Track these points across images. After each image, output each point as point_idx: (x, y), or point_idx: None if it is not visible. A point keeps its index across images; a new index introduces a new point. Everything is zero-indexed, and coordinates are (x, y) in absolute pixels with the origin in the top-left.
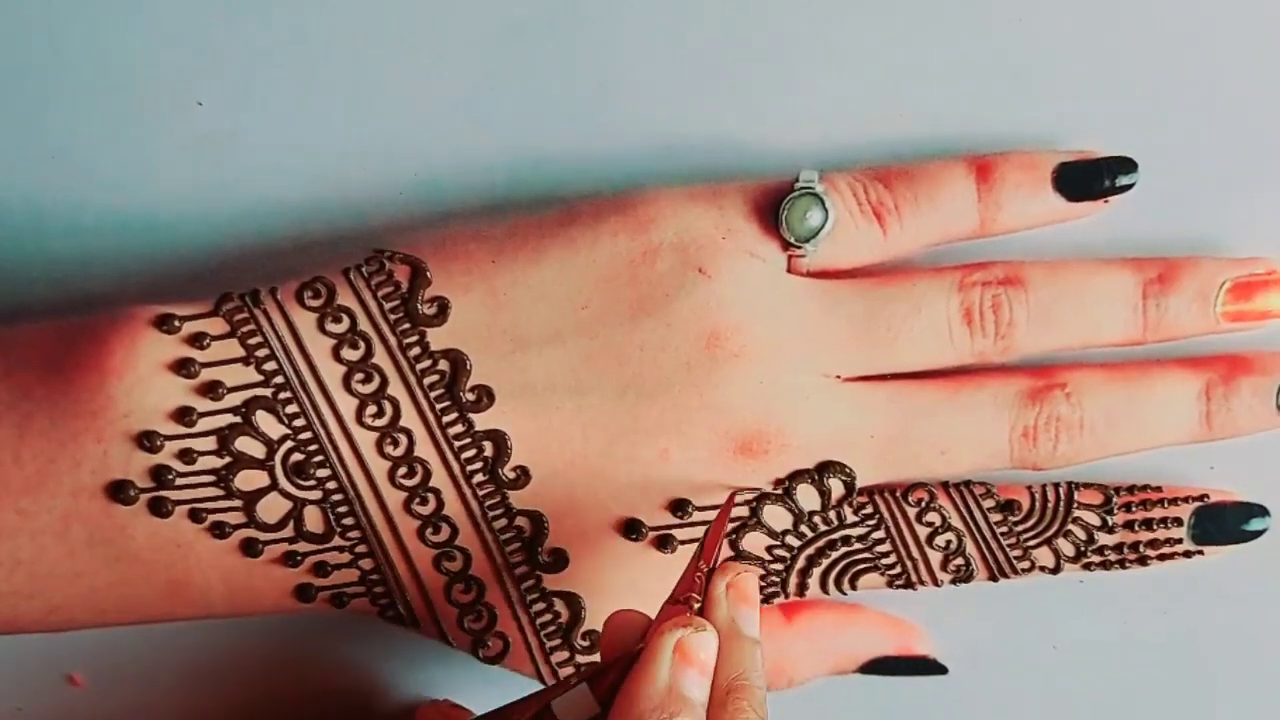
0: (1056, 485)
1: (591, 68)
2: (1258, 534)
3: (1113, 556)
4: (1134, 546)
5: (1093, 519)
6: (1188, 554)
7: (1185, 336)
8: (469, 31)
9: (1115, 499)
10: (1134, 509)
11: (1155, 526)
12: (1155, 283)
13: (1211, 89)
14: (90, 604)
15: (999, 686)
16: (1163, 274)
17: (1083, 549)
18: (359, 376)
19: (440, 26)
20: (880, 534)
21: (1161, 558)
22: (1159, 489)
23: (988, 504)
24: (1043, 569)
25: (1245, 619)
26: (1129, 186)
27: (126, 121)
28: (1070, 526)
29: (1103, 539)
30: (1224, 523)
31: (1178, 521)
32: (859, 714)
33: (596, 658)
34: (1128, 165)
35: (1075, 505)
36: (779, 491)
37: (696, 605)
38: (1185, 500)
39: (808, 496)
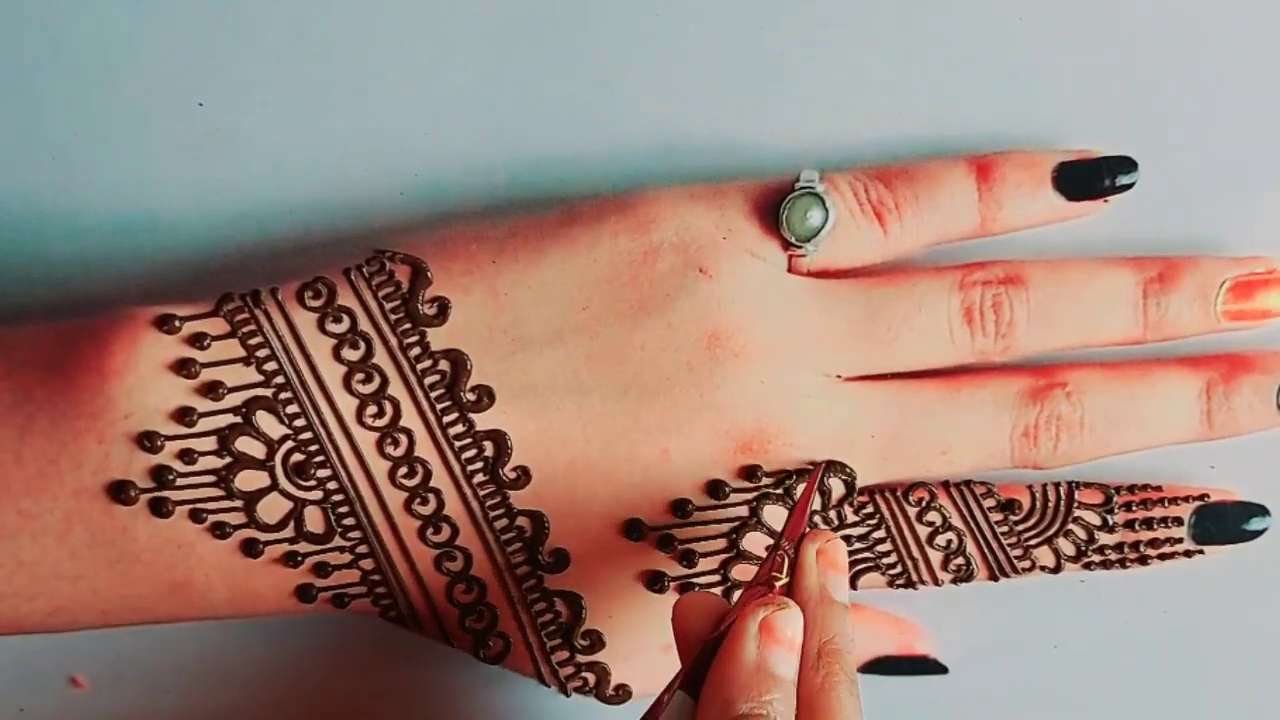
0: (1057, 485)
1: (592, 68)
2: (1258, 533)
3: (1113, 556)
4: (1135, 546)
5: (1093, 518)
6: (1188, 553)
7: (1186, 335)
8: (469, 32)
9: (1116, 498)
10: (1134, 508)
11: (1156, 526)
12: (1156, 281)
13: (1211, 88)
14: (92, 605)
15: (1000, 686)
16: (1163, 273)
17: (1083, 548)
18: (359, 376)
19: (441, 27)
20: (881, 533)
21: (1162, 557)
22: (1159, 488)
23: (988, 503)
24: (1043, 568)
25: (1246, 619)
26: (1129, 185)
27: (127, 122)
28: (1071, 526)
29: (1103, 538)
30: (1224, 522)
31: (1178, 521)
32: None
33: (597, 658)
34: (1127, 164)
35: (1076, 505)
36: (780, 491)
37: (781, 582)
38: (1186, 499)
39: None
